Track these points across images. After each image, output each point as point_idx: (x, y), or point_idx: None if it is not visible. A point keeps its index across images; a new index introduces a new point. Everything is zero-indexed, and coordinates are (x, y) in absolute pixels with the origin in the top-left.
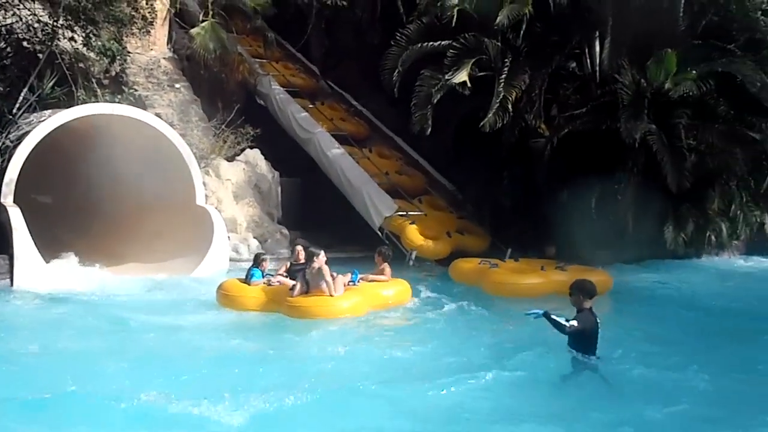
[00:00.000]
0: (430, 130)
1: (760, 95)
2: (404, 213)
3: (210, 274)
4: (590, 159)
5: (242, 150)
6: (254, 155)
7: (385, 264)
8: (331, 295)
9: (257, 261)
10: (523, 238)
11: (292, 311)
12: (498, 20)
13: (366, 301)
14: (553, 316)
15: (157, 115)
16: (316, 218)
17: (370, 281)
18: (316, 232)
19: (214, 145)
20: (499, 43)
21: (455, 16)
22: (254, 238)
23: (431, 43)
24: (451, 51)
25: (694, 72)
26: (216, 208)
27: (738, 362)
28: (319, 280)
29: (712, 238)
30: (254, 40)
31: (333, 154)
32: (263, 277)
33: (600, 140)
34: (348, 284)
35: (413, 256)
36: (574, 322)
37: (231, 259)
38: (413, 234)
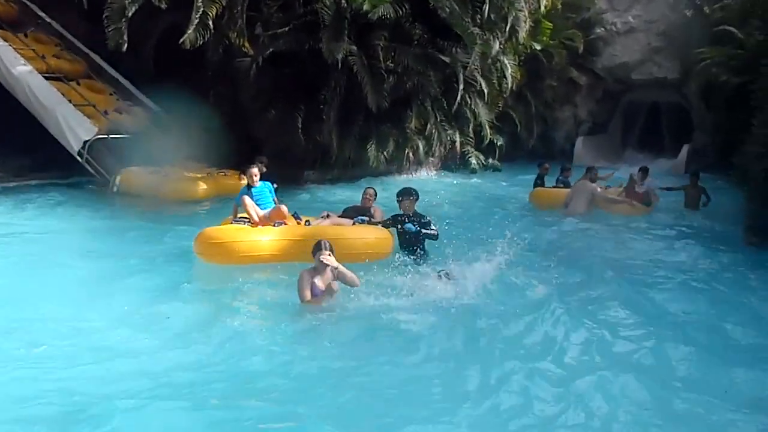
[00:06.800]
0: (126, 46)
1: (449, 20)
2: (104, 136)
3: None
4: (296, 79)
5: None
6: None
7: (376, 207)
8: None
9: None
10: (231, 157)
11: None
12: None
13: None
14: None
15: None
16: (5, 142)
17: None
18: (5, 157)
19: None
20: None
21: None
22: None
23: None
24: None
25: None
26: None
27: None
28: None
29: (411, 155)
30: None
31: (19, 71)
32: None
33: (304, 60)
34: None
35: (117, 182)
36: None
37: None
38: None
